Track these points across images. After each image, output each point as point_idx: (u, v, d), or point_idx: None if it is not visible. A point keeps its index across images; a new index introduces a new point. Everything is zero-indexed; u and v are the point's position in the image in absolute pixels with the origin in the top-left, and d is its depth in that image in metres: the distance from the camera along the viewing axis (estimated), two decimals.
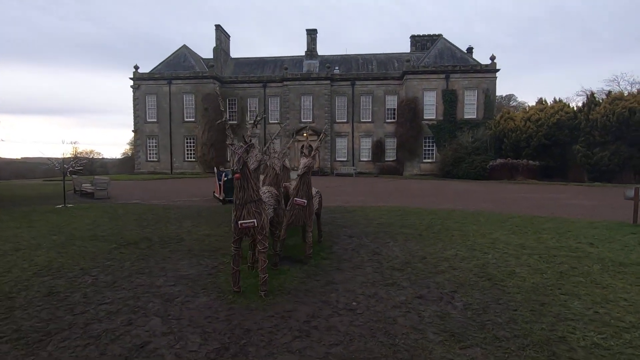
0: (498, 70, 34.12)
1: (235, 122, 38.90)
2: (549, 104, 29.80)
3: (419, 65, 35.52)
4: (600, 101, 26.19)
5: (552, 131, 27.08)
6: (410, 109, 34.47)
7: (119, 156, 59.09)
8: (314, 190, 6.73)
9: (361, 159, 37.99)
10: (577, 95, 60.03)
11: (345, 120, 37.71)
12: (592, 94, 27.79)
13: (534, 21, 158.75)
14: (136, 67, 37.85)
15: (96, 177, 19.76)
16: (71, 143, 14.98)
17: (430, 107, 34.93)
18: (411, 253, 6.73)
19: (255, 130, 37.81)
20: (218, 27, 41.24)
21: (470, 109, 34.42)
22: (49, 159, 14.13)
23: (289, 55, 43.68)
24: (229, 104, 39.10)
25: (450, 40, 38.23)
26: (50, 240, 7.76)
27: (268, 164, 7.82)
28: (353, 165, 37.29)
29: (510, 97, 61.45)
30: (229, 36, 44.10)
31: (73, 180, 18.75)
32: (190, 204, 13.90)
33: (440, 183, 26.40)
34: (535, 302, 4.43)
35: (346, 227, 9.26)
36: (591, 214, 11.62)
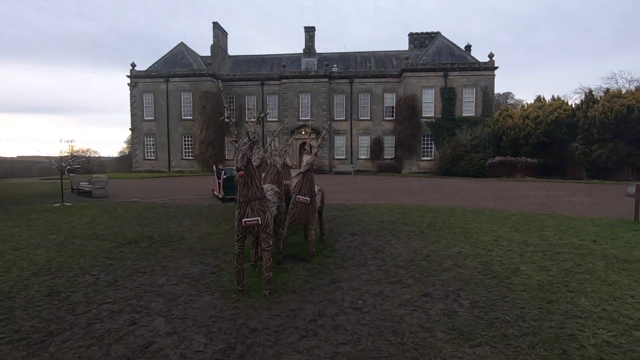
0: (496, 67, 34.11)
1: (234, 120, 38.64)
2: (547, 101, 29.83)
3: (417, 63, 35.44)
4: (599, 99, 26.23)
5: (551, 129, 27.10)
6: (408, 107, 34.40)
7: (115, 155, 58.80)
8: (316, 188, 6.67)
9: (360, 157, 37.92)
10: (575, 92, 60.11)
11: (344, 118, 37.61)
12: (590, 91, 27.85)
13: (531, 19, 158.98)
14: (133, 65, 37.58)
15: (94, 175, 19.62)
16: (68, 141, 14.79)
17: (429, 105, 34.88)
18: (414, 251, 6.69)
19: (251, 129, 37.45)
20: (216, 25, 41.00)
21: (468, 106, 34.40)
22: (46, 157, 13.99)
23: (287, 53, 43.49)
24: (223, 102, 38.83)
25: (448, 38, 38.17)
26: (49, 239, 7.66)
27: (269, 161, 7.77)
28: (351, 163, 37.23)
29: (507, 95, 61.51)
30: (227, 34, 43.86)
31: (70, 178, 18.60)
32: (189, 202, 13.81)
33: (440, 181, 26.39)
34: (542, 300, 4.40)
35: (348, 225, 9.21)
36: (592, 211, 11.62)
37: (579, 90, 37.67)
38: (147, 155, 38.06)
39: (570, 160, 26.39)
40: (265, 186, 5.79)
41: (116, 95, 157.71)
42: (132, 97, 37.70)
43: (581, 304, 4.24)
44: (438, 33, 39.52)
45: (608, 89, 28.40)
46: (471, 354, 3.25)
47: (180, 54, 39.16)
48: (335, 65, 39.85)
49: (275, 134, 7.86)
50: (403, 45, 45.44)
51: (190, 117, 37.12)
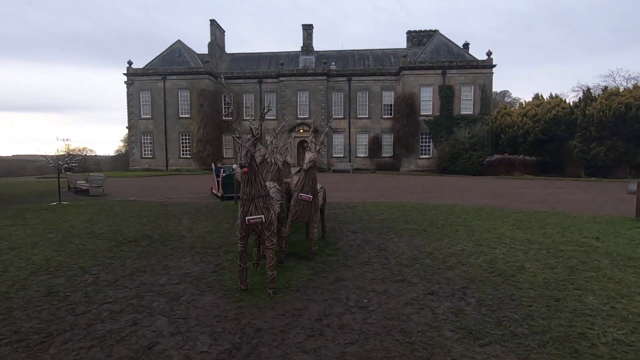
0: (494, 65, 34.12)
1: (231, 118, 38.52)
2: (545, 99, 29.87)
3: (415, 61, 35.38)
4: (597, 97, 26.28)
5: (549, 126, 27.14)
6: (407, 105, 34.37)
7: (112, 153, 58.44)
8: (318, 186, 6.60)
9: (358, 155, 37.88)
10: (573, 91, 60.33)
11: (342, 117, 37.51)
12: (589, 89, 27.91)
13: (527, 17, 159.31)
14: (130, 63, 37.29)
15: (91, 173, 19.45)
16: (64, 140, 14.63)
17: (427, 103, 34.85)
18: (418, 249, 6.64)
19: (251, 127, 37.25)
20: (213, 22, 40.75)
21: (466, 104, 34.41)
22: (43, 155, 13.83)
23: (285, 50, 43.32)
24: (224, 100, 38.71)
25: (446, 36, 38.13)
26: (46, 238, 7.55)
27: (270, 160, 7.69)
28: (350, 162, 37.19)
29: (504, 93, 61.59)
30: (224, 31, 43.62)
31: (67, 177, 18.43)
32: (188, 201, 13.70)
33: (438, 179, 26.39)
34: (549, 298, 4.35)
35: (349, 223, 9.14)
36: (592, 208, 11.62)
37: (576, 89, 37.81)
38: (144, 154, 37.83)
39: (569, 158, 26.44)
40: (268, 184, 5.71)
41: (113, 93, 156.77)
42: (128, 95, 37.43)
43: (589, 302, 4.20)
44: (436, 31, 39.48)
45: (606, 87, 28.47)
46: (481, 353, 3.19)
47: (178, 51, 38.91)
48: (333, 63, 39.73)
49: (276, 132, 7.76)
50: (401, 43, 45.46)
51: (188, 115, 36.90)
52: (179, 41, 39.86)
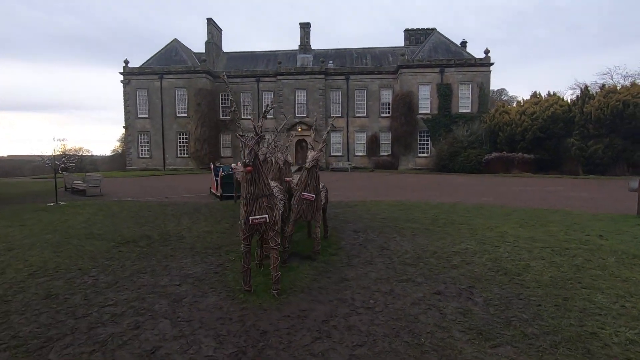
0: (492, 63, 34.12)
1: (229, 117, 38.37)
2: (543, 97, 29.90)
3: (413, 59, 35.32)
4: (594, 94, 26.32)
5: (547, 124, 27.15)
6: (405, 103, 34.31)
7: (109, 153, 58.06)
8: (320, 184, 6.51)
9: (356, 154, 37.81)
10: (570, 88, 60.40)
11: (340, 115, 37.40)
12: (586, 87, 27.94)
13: (522, 15, 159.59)
14: (126, 62, 37.02)
15: (88, 173, 19.27)
16: (59, 140, 14.46)
17: (425, 101, 34.81)
18: (421, 248, 6.57)
19: (249, 125, 37.27)
20: (210, 21, 40.51)
21: (465, 102, 34.40)
22: (39, 156, 13.66)
23: (283, 49, 43.16)
24: (222, 99, 38.53)
25: (444, 34, 38.10)
26: (44, 239, 7.43)
27: (272, 158, 7.61)
28: (348, 160, 37.11)
29: (501, 92, 61.71)
30: (221, 30, 43.38)
31: (64, 177, 18.25)
32: (186, 201, 13.58)
33: (437, 177, 26.37)
34: (557, 297, 4.29)
35: (350, 222, 9.07)
36: (592, 206, 11.60)
37: (574, 86, 37.87)
38: (142, 154, 37.59)
39: (567, 156, 26.47)
40: (271, 183, 5.62)
41: (108, 92, 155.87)
42: (125, 94, 37.15)
43: (598, 301, 4.15)
44: (434, 29, 39.41)
45: (604, 85, 28.52)
46: (493, 354, 3.12)
47: (174, 50, 38.67)
48: (331, 62, 39.62)
49: (278, 130, 7.68)
50: (398, 41, 45.33)
51: (185, 115, 36.69)
52: (175, 40, 39.61)
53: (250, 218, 4.22)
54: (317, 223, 6.12)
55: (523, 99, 32.42)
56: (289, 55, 41.74)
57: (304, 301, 4.27)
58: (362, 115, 37.50)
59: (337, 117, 36.58)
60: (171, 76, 36.56)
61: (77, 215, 10.40)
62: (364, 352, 3.19)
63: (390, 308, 4.08)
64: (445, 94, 34.26)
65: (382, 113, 37.20)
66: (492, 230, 7.90)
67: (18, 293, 4.57)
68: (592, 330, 3.49)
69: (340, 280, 4.98)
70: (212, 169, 15.94)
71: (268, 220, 4.27)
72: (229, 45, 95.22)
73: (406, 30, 42.34)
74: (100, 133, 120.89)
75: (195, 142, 36.16)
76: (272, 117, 36.65)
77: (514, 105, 34.31)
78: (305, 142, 37.12)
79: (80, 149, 51.88)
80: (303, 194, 5.82)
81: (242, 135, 4.09)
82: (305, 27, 41.94)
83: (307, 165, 5.75)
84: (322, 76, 37.00)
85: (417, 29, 42.08)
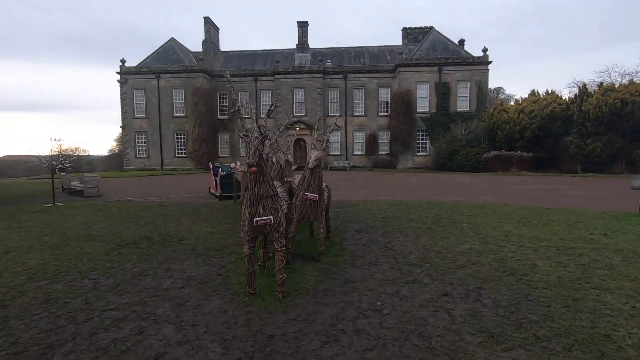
0: (490, 62, 34.12)
1: (226, 117, 38.24)
2: (541, 95, 29.92)
3: (411, 58, 35.28)
4: (593, 93, 26.35)
5: (545, 123, 27.17)
6: (403, 102, 34.27)
7: (105, 153, 57.67)
8: (323, 184, 6.43)
9: (355, 153, 37.76)
10: (568, 86, 60.51)
11: (338, 114, 37.28)
12: (584, 85, 27.97)
13: (519, 14, 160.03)
14: (123, 61, 36.76)
15: (85, 174, 19.10)
16: (55, 140, 14.31)
17: (424, 100, 34.79)
18: (425, 248, 6.51)
19: (247, 125, 36.94)
20: (207, 20, 40.29)
21: (463, 101, 34.40)
22: (36, 156, 13.51)
23: (280, 48, 42.98)
24: (219, 98, 38.36)
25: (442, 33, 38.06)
26: (42, 241, 7.31)
27: (273, 158, 7.53)
28: (346, 159, 37.06)
29: (498, 90, 61.77)
30: (218, 29, 43.18)
31: (61, 177, 18.07)
32: (186, 201, 13.47)
33: (436, 176, 26.34)
34: (567, 298, 4.23)
35: (352, 221, 9.00)
36: (593, 204, 11.58)
37: (572, 85, 37.89)
38: (139, 154, 37.38)
39: (565, 154, 26.50)
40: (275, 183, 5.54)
41: (106, 92, 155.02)
42: (122, 94, 36.91)
43: (608, 302, 4.09)
44: (432, 28, 39.37)
45: (602, 83, 28.58)
46: (506, 358, 3.06)
47: (171, 49, 38.43)
48: (329, 61, 39.52)
49: (280, 129, 7.59)
50: (396, 40, 45.34)
51: (183, 114, 36.50)
52: (172, 39, 39.37)
53: (254, 219, 4.13)
54: (321, 224, 6.05)
55: (521, 97, 32.45)
56: (286, 54, 41.60)
57: (309, 304, 4.19)
58: (360, 114, 37.45)
59: (330, 117, 36.53)
60: (168, 75, 36.35)
61: (75, 216, 10.28)
62: (374, 357, 3.11)
63: (398, 310, 4.01)
64: (443, 92, 34.24)
65: (381, 112, 37.16)
66: (496, 229, 7.85)
67: (17, 297, 4.46)
68: (604, 332, 3.43)
69: (346, 281, 4.90)
70: (211, 168, 15.83)
71: (273, 222, 4.19)
72: (226, 44, 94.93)
73: (404, 29, 42.28)
74: (98, 133, 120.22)
75: (193, 142, 36.00)
76: (270, 116, 36.40)
77: (512, 104, 34.35)
78: (304, 141, 37.03)
79: (76, 149, 51.54)
80: (306, 194, 5.74)
81: (246, 135, 4.00)
82: (303, 26, 41.80)
83: (311, 165, 5.67)
84: (320, 75, 36.90)
85: (415, 28, 42.02)
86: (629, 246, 6.32)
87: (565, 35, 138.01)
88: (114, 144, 55.13)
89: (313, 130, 6.75)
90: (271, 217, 4.16)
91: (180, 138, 36.91)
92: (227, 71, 5.58)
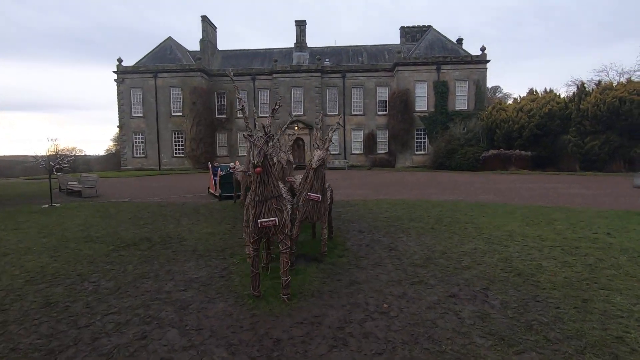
0: (488, 61, 34.09)
1: (224, 116, 38.07)
2: (540, 94, 29.95)
3: (409, 57, 35.21)
4: (591, 91, 26.39)
5: (544, 121, 27.20)
6: (401, 101, 34.22)
7: (102, 153, 57.33)
8: (326, 184, 6.36)
9: (353, 152, 37.68)
10: (567, 85, 60.55)
11: (337, 113, 37.18)
12: (583, 84, 28.00)
13: (516, 12, 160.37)
14: (120, 60, 36.49)
15: (83, 174, 18.94)
16: (52, 140, 14.15)
17: (422, 99, 34.74)
18: (429, 248, 6.45)
19: (250, 124, 36.76)
20: (204, 19, 40.04)
21: (461, 100, 34.38)
22: (33, 156, 13.35)
23: (278, 47, 42.81)
24: (217, 97, 38.16)
25: (440, 32, 38.02)
26: (40, 243, 7.20)
27: (275, 158, 7.45)
28: (345, 158, 36.96)
29: (496, 89, 61.81)
30: (216, 28, 42.95)
31: (58, 178, 17.91)
32: (185, 201, 13.36)
33: (435, 174, 26.32)
34: (575, 298, 4.19)
35: (353, 221, 8.94)
36: (594, 203, 11.57)
37: (570, 83, 37.92)
38: (136, 153, 37.14)
39: (564, 153, 26.54)
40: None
41: (102, 91, 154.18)
42: (119, 93, 36.65)
43: (618, 303, 4.05)
44: (430, 26, 39.32)
45: (600, 81, 28.64)
46: None
47: (169, 48, 38.20)
48: (327, 60, 39.38)
49: (283, 129, 7.51)
50: (394, 39, 45.27)
51: (180, 114, 36.28)
52: (170, 38, 39.13)
53: (259, 221, 4.05)
54: (324, 224, 5.98)
55: (520, 96, 32.48)
56: (284, 53, 41.44)
57: (315, 306, 4.12)
58: (358, 113, 37.36)
59: (339, 117, 36.41)
60: (166, 75, 36.11)
61: (74, 217, 10.16)
62: None
63: (406, 313, 3.94)
64: (441, 91, 34.21)
65: (379, 111, 37.09)
66: (499, 229, 7.81)
67: (15, 301, 4.37)
68: (617, 334, 3.39)
69: (351, 283, 4.84)
70: (210, 168, 15.72)
71: (278, 223, 4.11)
72: (224, 43, 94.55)
73: (402, 28, 42.23)
74: (96, 133, 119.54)
75: (190, 142, 35.81)
76: (266, 115, 36.23)
77: (510, 103, 34.36)
78: (302, 140, 36.92)
79: (73, 149, 51.20)
80: (309, 195, 5.67)
81: (250, 135, 3.92)
82: (301, 25, 41.64)
83: (314, 164, 5.59)
84: (318, 74, 36.78)
85: (413, 27, 41.97)
86: (634, 245, 6.29)
87: (563, 34, 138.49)
88: (111, 143, 54.85)
89: (316, 130, 6.67)
90: (276, 218, 4.09)
91: (178, 138, 36.71)
92: (230, 70, 5.47)
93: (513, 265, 5.40)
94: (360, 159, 37.34)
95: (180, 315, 3.94)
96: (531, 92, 30.92)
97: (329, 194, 6.71)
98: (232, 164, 14.08)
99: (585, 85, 27.96)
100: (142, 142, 36.89)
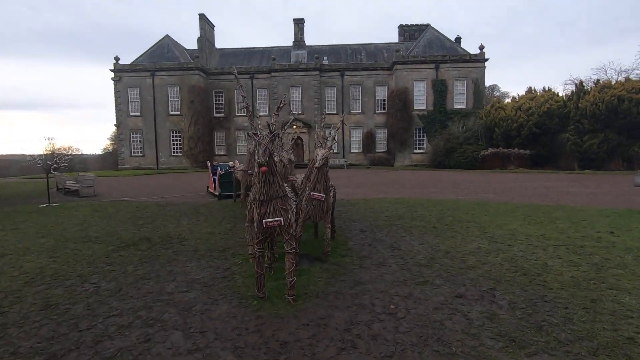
0: (487, 59, 34.12)
1: (223, 114, 37.91)
2: (538, 93, 29.98)
3: (408, 55, 35.17)
4: (589, 90, 26.43)
5: (543, 120, 27.24)
6: (400, 100, 34.20)
7: (99, 152, 57.04)
8: (329, 183, 6.29)
9: (352, 151, 37.63)
10: (565, 84, 60.67)
11: (335, 112, 37.10)
12: (581, 82, 28.03)
13: (514, 12, 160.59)
14: (117, 59, 36.25)
15: (80, 173, 18.78)
16: (48, 139, 14.00)
17: (421, 98, 34.73)
18: (432, 247, 6.40)
19: (244, 123, 36.85)
20: (202, 17, 39.83)
21: (460, 98, 34.39)
22: (30, 155, 13.21)
23: (277, 45, 42.68)
24: (215, 96, 37.99)
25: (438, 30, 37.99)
26: (38, 243, 7.10)
27: (277, 157, 7.37)
28: (344, 157, 36.91)
29: (493, 87, 61.87)
30: (214, 26, 42.74)
31: (55, 177, 17.75)
32: (184, 200, 13.26)
33: (434, 173, 26.30)
34: (584, 299, 4.14)
35: (355, 220, 8.88)
36: (594, 201, 11.56)
37: (568, 82, 37.95)
38: (134, 152, 36.94)
39: (562, 151, 26.60)
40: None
41: (99, 90, 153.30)
42: (116, 92, 36.41)
43: (627, 303, 4.00)
44: (428, 25, 39.31)
45: (598, 80, 28.67)
46: None
47: (166, 47, 37.98)
48: (325, 58, 39.29)
49: (286, 127, 7.43)
50: (393, 37, 45.18)
51: (178, 112, 36.10)
52: (167, 36, 38.91)
53: (264, 221, 3.98)
54: (327, 223, 5.92)
55: (518, 95, 32.49)
56: (282, 51, 41.31)
57: (321, 307, 4.06)
58: (357, 111, 37.30)
59: (339, 116, 36.35)
60: (163, 73, 35.91)
61: (72, 217, 10.04)
62: None
63: (413, 314, 3.89)
64: (440, 90, 34.20)
65: (378, 109, 37.04)
66: (501, 227, 7.77)
67: (15, 303, 4.28)
68: (628, 335, 3.34)
69: (356, 283, 4.78)
70: (209, 167, 15.62)
71: (283, 223, 4.04)
72: (221, 41, 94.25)
73: (400, 26, 42.19)
74: (93, 131, 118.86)
75: (189, 140, 35.65)
76: (265, 114, 36.21)
77: (509, 101, 34.38)
78: (301, 139, 36.80)
79: (69, 148, 50.87)
80: (313, 194, 5.60)
81: (255, 134, 3.84)
82: (299, 23, 41.51)
83: (318, 163, 5.52)
84: (317, 73, 36.68)
85: (412, 25, 41.93)
86: (638, 244, 6.26)
87: (560, 33, 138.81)
88: (108, 142, 54.56)
89: (319, 129, 6.59)
90: (281, 218, 4.02)
91: (176, 136, 36.53)
92: (234, 68, 5.39)
93: (518, 265, 5.35)
94: (359, 157, 37.30)
95: (183, 317, 3.86)
96: (530, 90, 30.95)
97: (332, 193, 6.65)
98: (231, 163, 13.99)
99: (584, 83, 28.00)
100: (140, 141, 36.69)
